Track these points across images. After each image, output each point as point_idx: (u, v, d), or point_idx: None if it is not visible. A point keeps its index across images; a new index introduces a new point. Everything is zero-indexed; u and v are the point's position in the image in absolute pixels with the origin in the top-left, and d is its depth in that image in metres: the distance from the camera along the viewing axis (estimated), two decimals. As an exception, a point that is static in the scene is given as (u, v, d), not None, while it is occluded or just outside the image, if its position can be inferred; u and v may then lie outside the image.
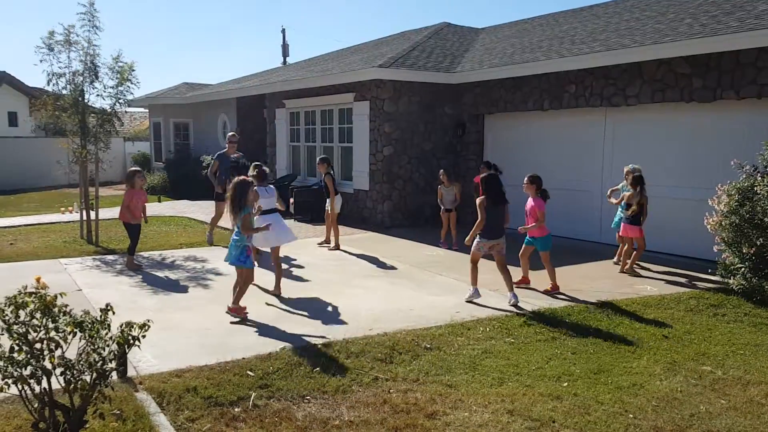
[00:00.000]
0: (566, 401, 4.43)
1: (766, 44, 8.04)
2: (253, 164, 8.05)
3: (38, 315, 3.47)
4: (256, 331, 5.93)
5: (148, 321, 3.71)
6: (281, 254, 7.74)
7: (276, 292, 7.28)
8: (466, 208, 11.26)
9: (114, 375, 3.95)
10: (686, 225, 9.12)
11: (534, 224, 7.38)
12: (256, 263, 7.22)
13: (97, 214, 10.99)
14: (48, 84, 10.36)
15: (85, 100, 10.54)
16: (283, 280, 7.60)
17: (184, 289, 7.59)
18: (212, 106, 20.38)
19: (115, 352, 3.62)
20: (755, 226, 6.91)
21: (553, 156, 11.57)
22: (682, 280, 8.08)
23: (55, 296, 3.55)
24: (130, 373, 4.77)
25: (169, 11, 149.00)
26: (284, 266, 8.38)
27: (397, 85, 12.51)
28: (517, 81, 11.84)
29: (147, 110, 23.74)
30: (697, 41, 8.75)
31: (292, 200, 12.27)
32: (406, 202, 12.88)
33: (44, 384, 3.46)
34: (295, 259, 9.29)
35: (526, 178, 7.50)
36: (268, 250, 7.76)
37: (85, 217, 11.02)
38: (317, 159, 11.05)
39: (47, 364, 3.41)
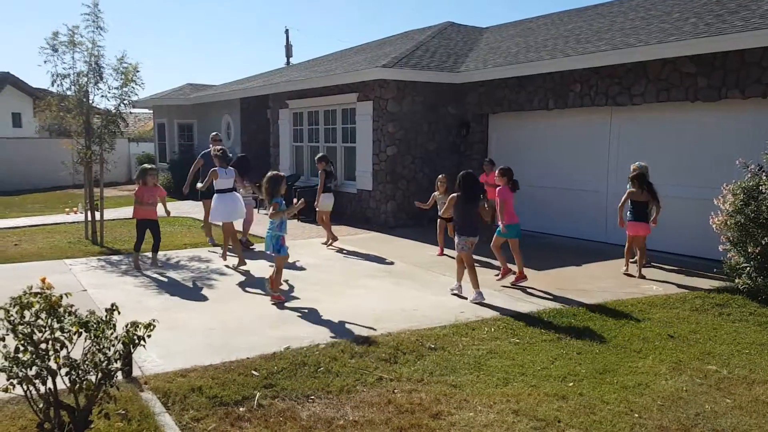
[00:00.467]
0: (571, 401, 4.41)
1: (771, 43, 8.01)
2: (221, 148, 9.25)
3: (43, 315, 3.48)
4: (260, 331, 5.93)
5: (154, 321, 3.72)
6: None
7: (240, 266, 8.58)
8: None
9: (119, 375, 3.95)
10: (691, 224, 9.10)
11: (501, 213, 7.60)
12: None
13: (102, 215, 11.01)
14: (52, 85, 10.38)
15: (90, 101, 10.56)
16: (287, 280, 7.60)
17: (188, 289, 7.61)
18: (216, 107, 20.39)
19: (121, 352, 3.62)
20: (760, 225, 6.88)
21: (558, 155, 11.55)
22: (688, 279, 8.05)
23: (60, 296, 3.55)
24: (135, 373, 4.78)
25: (173, 13, 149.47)
26: (286, 267, 8.41)
27: (400, 85, 12.50)
28: (522, 80, 11.82)
29: (151, 111, 23.77)
30: (702, 40, 8.74)
31: (295, 200, 12.25)
32: (409, 203, 12.84)
33: (49, 384, 3.47)
34: (298, 260, 9.29)
35: (497, 170, 7.86)
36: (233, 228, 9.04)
37: (89, 218, 11.06)
38: (316, 157, 11.02)
39: (52, 365, 3.41)
